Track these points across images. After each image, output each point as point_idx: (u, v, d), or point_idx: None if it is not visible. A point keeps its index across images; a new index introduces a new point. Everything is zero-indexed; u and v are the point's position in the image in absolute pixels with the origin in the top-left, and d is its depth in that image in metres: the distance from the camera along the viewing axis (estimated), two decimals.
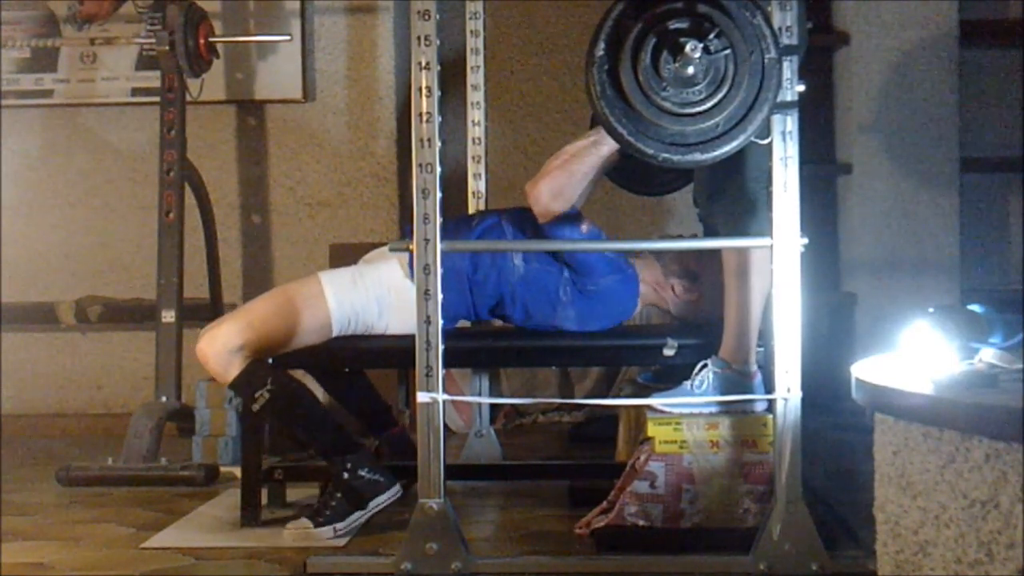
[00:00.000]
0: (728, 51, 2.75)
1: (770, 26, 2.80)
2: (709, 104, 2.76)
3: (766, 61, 2.78)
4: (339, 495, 3.44)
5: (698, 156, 2.82)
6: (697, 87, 2.75)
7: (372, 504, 3.46)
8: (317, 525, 3.40)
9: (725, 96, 2.76)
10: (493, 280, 3.54)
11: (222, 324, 3.53)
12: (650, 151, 2.81)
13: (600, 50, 2.78)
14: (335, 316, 3.51)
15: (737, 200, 3.27)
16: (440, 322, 2.97)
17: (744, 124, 2.79)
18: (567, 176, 3.42)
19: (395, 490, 3.50)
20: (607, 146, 3.37)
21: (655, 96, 2.75)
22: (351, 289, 3.53)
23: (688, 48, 2.70)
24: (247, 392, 3.49)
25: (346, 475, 3.45)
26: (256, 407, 3.48)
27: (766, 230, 2.94)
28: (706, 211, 3.46)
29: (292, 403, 3.51)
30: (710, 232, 3.48)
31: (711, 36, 2.72)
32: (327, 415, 3.55)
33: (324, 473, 3.59)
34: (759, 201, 3.19)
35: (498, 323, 3.83)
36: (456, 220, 3.72)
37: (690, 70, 2.73)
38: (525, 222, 3.55)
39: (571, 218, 3.44)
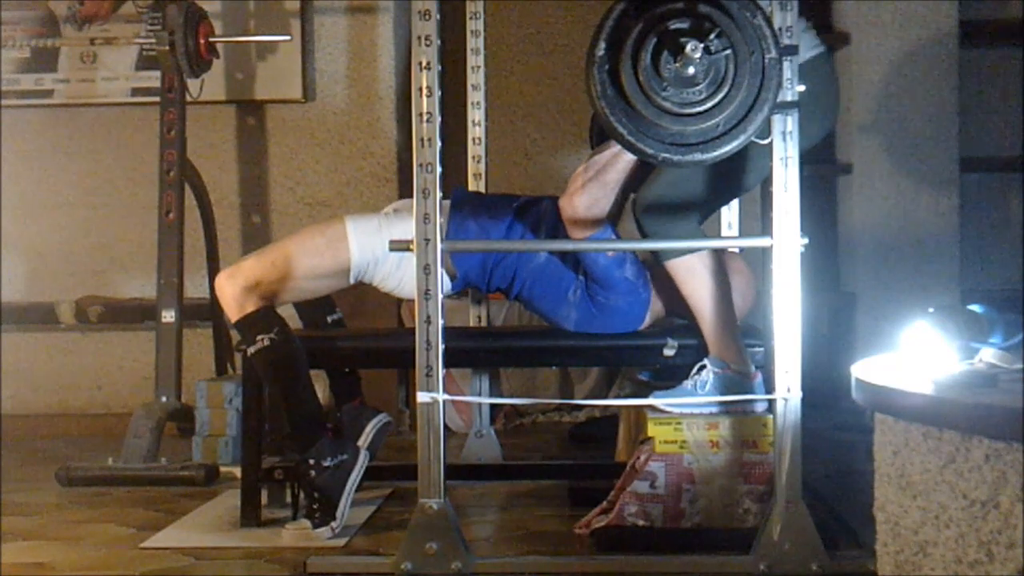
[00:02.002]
0: (728, 51, 2.75)
1: (770, 26, 2.81)
2: (709, 104, 2.77)
3: (766, 61, 2.78)
4: (316, 496, 3.44)
5: (698, 156, 2.82)
6: (697, 87, 2.76)
7: (348, 486, 3.47)
8: (315, 526, 3.41)
9: (725, 96, 2.77)
10: (512, 261, 3.53)
11: (246, 260, 3.54)
12: (650, 151, 2.81)
13: (600, 50, 2.78)
14: (355, 260, 3.48)
15: (663, 207, 3.29)
16: (440, 322, 2.97)
17: (744, 124, 2.79)
18: (601, 187, 3.39)
19: (363, 457, 3.52)
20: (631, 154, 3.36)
21: (655, 96, 2.75)
22: (375, 235, 3.48)
23: (689, 48, 2.70)
24: (251, 332, 3.48)
25: (312, 473, 3.45)
26: (253, 350, 3.47)
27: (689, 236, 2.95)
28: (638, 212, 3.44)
29: (286, 361, 3.48)
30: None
31: (712, 36, 2.73)
32: (310, 390, 3.53)
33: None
34: (688, 209, 3.21)
35: (498, 323, 3.82)
36: (498, 195, 3.75)
37: (691, 70, 2.73)
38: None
39: (600, 228, 3.42)
